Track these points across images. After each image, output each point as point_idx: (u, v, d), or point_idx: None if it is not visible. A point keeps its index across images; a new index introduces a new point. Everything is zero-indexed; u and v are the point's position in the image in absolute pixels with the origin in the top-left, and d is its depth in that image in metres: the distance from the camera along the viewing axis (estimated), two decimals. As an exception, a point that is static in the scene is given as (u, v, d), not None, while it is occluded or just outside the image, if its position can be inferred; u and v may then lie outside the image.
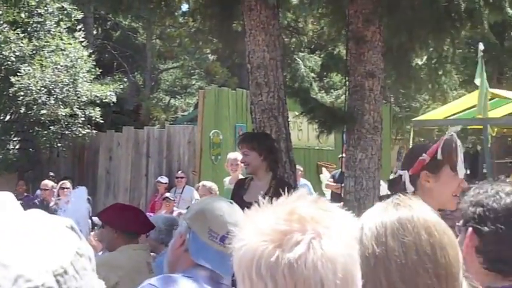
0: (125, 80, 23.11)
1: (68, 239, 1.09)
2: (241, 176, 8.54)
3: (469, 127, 17.52)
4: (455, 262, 1.96)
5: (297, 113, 9.01)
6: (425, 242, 1.79)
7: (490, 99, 13.87)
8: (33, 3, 16.66)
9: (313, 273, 1.30)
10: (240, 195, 6.37)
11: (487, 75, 13.43)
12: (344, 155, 7.97)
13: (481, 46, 12.82)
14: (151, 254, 5.74)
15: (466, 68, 19.77)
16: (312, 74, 19.53)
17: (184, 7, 12.17)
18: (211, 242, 3.08)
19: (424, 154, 3.77)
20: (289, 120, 7.55)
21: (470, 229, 2.42)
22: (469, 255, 2.39)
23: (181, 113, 25.21)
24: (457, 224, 2.53)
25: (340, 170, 11.17)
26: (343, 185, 8.31)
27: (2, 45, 15.42)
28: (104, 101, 17.32)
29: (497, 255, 2.42)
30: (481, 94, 13.38)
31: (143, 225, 5.58)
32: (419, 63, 11.84)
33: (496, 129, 15.45)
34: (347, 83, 7.66)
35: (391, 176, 12.34)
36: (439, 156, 3.66)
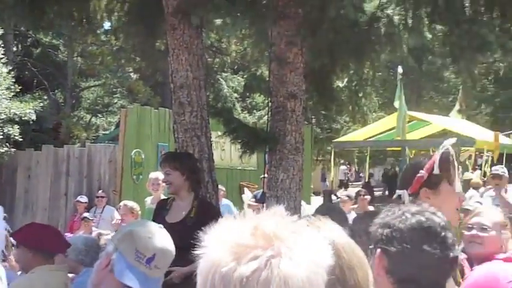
0: (45, 97, 23.15)
1: None
2: (163, 197, 8.52)
3: (388, 149, 18.16)
4: (364, 283, 2.02)
5: (220, 133, 8.96)
6: (334, 264, 1.68)
7: (409, 122, 14.62)
8: None
9: None
10: (162, 216, 6.34)
11: (405, 98, 14.14)
12: (266, 175, 7.97)
13: (399, 69, 13.48)
14: (70, 274, 5.68)
15: (385, 91, 20.37)
16: (235, 95, 19.91)
17: (107, 25, 12.19)
18: (137, 263, 3.09)
19: (421, 171, 3.73)
20: (212, 140, 7.55)
21: (378, 250, 2.47)
22: (379, 276, 2.45)
23: (103, 132, 25.18)
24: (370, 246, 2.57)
25: (262, 190, 11.12)
26: (264, 205, 8.42)
27: None
28: (23, 118, 17.26)
29: (405, 274, 2.48)
30: (399, 116, 14.09)
31: (58, 244, 5.46)
32: (340, 85, 12.15)
33: (414, 151, 15.77)
34: (269, 103, 7.69)
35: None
36: (436, 171, 3.60)
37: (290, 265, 1.32)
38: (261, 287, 1.31)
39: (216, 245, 1.39)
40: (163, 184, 8.33)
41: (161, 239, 3.25)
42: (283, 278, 1.31)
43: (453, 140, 3.68)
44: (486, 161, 16.88)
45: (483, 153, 16.34)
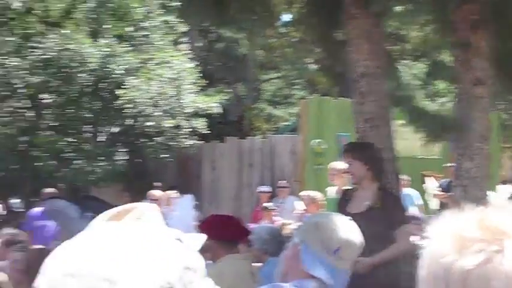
0: (229, 91, 23.34)
1: (176, 253, 1.12)
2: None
3: None
4: None
5: (402, 122, 8.67)
6: None
7: None
8: (139, 17, 16.95)
9: (483, 284, 1.26)
10: (343, 206, 6.35)
11: None
12: (451, 164, 7.88)
13: None
14: (255, 264, 5.84)
15: None
16: (417, 82, 19.58)
17: (286, 17, 12.35)
18: (323, 255, 3.15)
19: None
20: (393, 129, 7.41)
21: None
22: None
23: (283, 123, 25.39)
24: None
25: (447, 179, 11.00)
26: (450, 194, 8.20)
27: (109, 58, 15.60)
28: (208, 112, 17.49)
29: None
30: None
31: (240, 234, 5.69)
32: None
33: None
34: (455, 90, 7.53)
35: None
36: None
37: None
38: (481, 282, 1.27)
39: (440, 237, 1.36)
40: (343, 175, 8.49)
41: (347, 230, 3.26)
42: (506, 275, 1.26)
43: None
44: None
45: None
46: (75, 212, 10.25)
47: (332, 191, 9.79)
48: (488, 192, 7.67)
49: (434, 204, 12.34)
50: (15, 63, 15.16)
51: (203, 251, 4.08)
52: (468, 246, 1.28)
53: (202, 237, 1.44)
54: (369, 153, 6.30)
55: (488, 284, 1.24)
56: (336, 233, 3.24)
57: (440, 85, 18.68)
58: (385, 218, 6.15)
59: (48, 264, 1.11)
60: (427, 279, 1.36)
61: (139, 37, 17.03)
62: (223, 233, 5.39)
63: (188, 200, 11.13)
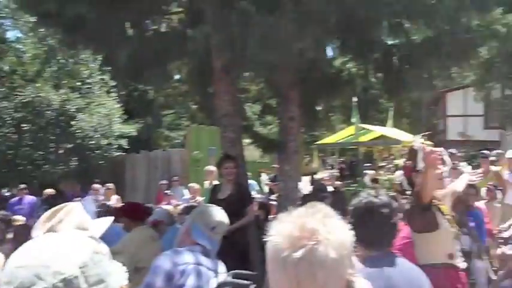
0: (142, 121, 24.23)
1: (87, 242, 1.17)
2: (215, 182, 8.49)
3: (348, 147, 18.62)
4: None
5: (248, 141, 8.91)
6: None
7: (360, 130, 15.87)
8: (85, 76, 18.69)
9: (308, 268, 1.37)
10: (214, 194, 6.69)
11: (358, 116, 15.27)
12: (277, 165, 8.25)
13: (355, 99, 14.22)
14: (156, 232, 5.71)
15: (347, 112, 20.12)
16: (255, 117, 18.99)
17: (177, 76, 13.01)
18: (205, 230, 3.37)
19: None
20: (243, 146, 7.59)
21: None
22: None
23: (176, 141, 25.70)
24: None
25: (274, 174, 12.31)
26: (276, 183, 8.82)
27: (66, 101, 17.53)
28: (128, 135, 19.16)
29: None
30: (356, 127, 15.46)
31: (144, 213, 5.81)
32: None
33: (364, 148, 17.36)
34: (278, 122, 7.93)
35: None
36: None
37: (327, 250, 1.38)
38: (308, 266, 1.37)
39: (276, 235, 1.43)
40: (214, 174, 9.19)
41: (219, 215, 3.49)
42: (322, 258, 1.38)
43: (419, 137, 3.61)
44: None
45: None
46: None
47: (207, 184, 10.33)
48: (299, 183, 8.04)
49: (266, 189, 13.24)
50: (5, 105, 17.33)
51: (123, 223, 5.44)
52: (296, 243, 1.38)
53: (109, 220, 1.43)
54: (235, 161, 6.56)
55: (311, 266, 1.37)
56: (213, 217, 3.42)
57: (269, 118, 19.15)
58: (239, 201, 6.39)
59: (5, 262, 1.11)
60: (272, 266, 1.44)
61: (85, 88, 18.84)
62: (133, 214, 5.52)
63: (89, 200, 10.84)
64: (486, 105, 24.10)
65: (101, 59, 10.48)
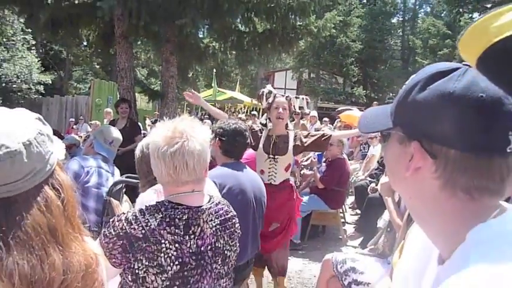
0: (56, 73, 22.23)
1: (33, 123, 0.94)
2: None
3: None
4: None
5: (139, 91, 8.06)
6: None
7: (217, 92, 15.62)
8: (10, 34, 17.01)
9: (181, 158, 1.32)
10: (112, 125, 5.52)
11: (216, 82, 15.30)
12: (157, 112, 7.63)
13: (214, 71, 15.01)
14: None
15: (208, 78, 19.56)
16: (144, 72, 19.20)
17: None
18: (104, 144, 3.17)
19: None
20: (135, 95, 6.98)
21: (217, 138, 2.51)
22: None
23: (84, 91, 23.84)
24: None
25: (155, 118, 11.47)
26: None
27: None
28: (45, 83, 17.87)
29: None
30: (214, 90, 15.37)
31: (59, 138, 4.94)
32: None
33: (219, 105, 15.81)
34: (162, 79, 7.19)
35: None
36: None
37: (194, 144, 1.34)
38: (180, 156, 1.32)
39: (155, 137, 1.36)
40: (110, 115, 8.98)
41: (116, 133, 3.29)
42: (191, 150, 1.33)
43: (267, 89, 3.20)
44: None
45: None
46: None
47: (105, 122, 9.69)
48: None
49: (148, 129, 10.85)
50: None
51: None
52: (170, 140, 1.33)
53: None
54: (129, 102, 6.00)
55: (183, 156, 1.33)
56: (111, 134, 3.21)
57: (152, 79, 18.76)
58: (131, 132, 5.70)
59: None
60: (154, 160, 1.37)
61: (10, 44, 17.32)
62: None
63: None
64: (298, 82, 25.82)
65: (23, 21, 9.68)
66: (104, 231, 1.32)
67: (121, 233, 1.29)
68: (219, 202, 1.51)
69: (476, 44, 0.58)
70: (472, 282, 0.57)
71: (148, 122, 13.38)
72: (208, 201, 1.46)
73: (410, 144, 0.71)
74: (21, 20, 13.43)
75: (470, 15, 19.90)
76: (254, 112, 12.75)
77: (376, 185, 4.04)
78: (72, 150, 5.56)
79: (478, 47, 0.58)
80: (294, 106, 3.28)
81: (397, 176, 0.75)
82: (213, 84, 15.60)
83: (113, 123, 6.13)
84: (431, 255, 0.77)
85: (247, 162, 2.87)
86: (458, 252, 0.65)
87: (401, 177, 0.74)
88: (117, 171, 3.24)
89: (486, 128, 0.63)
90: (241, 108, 16.81)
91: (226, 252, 1.46)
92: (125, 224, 1.30)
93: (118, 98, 6.74)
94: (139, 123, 9.53)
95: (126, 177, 3.13)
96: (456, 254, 0.66)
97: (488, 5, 18.96)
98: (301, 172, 5.77)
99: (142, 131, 8.67)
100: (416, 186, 0.72)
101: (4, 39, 16.97)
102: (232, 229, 1.51)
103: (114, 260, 1.30)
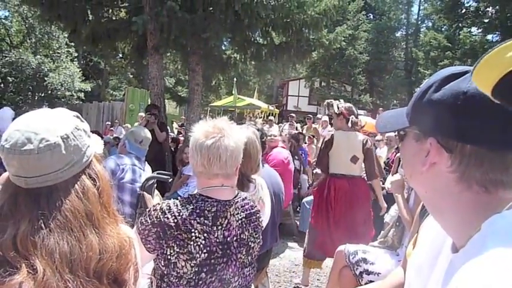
0: (95, 83, 22.49)
1: (70, 119, 0.93)
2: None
3: (228, 109, 16.97)
4: (254, 157, 2.10)
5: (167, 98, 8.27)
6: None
7: (237, 99, 15.22)
8: (55, 47, 17.18)
9: (215, 151, 1.31)
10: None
11: (236, 89, 14.84)
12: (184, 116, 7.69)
13: (235, 80, 14.26)
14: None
15: (229, 86, 19.21)
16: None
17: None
18: (135, 144, 3.10)
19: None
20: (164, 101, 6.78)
21: None
22: None
23: (120, 97, 23.15)
24: None
25: (182, 122, 11.29)
26: (184, 127, 8.22)
27: (41, 63, 15.88)
28: (85, 90, 18.01)
29: None
30: (234, 97, 14.77)
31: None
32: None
33: (238, 111, 16.28)
34: (188, 86, 6.98)
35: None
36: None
37: (229, 141, 1.33)
38: (215, 149, 1.31)
39: (196, 131, 1.35)
40: (144, 119, 7.46)
41: (145, 133, 3.19)
42: (225, 145, 1.32)
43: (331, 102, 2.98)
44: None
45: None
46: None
47: (138, 124, 8.31)
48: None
49: (175, 132, 11.19)
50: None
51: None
52: (209, 135, 1.33)
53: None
54: (159, 108, 5.85)
55: (218, 150, 1.32)
56: (141, 134, 3.14)
57: (179, 88, 18.62)
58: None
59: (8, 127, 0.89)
60: (192, 152, 1.35)
61: (55, 56, 17.73)
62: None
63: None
64: (310, 90, 25.56)
65: (67, 35, 9.53)
66: (141, 219, 1.32)
67: (156, 221, 1.29)
68: (245, 197, 1.49)
69: (491, 74, 0.57)
70: (490, 267, 0.55)
71: (175, 125, 13.28)
72: (236, 196, 1.44)
73: (426, 141, 0.70)
74: (65, 35, 13.49)
75: (468, 29, 19.55)
76: (271, 117, 12.54)
77: (383, 184, 3.94)
78: (106, 147, 5.72)
79: (492, 76, 0.57)
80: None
81: (414, 171, 0.74)
82: (233, 92, 15.29)
83: (147, 123, 5.95)
84: (444, 245, 0.76)
85: (277, 170, 2.82)
86: (474, 240, 0.63)
87: (418, 172, 0.72)
88: (148, 168, 3.20)
89: (499, 124, 0.62)
90: (258, 114, 16.54)
91: (250, 243, 1.45)
92: (160, 213, 1.30)
93: (149, 104, 6.66)
94: (167, 126, 9.25)
95: (157, 173, 3.09)
96: (472, 242, 0.64)
97: (486, 20, 18.56)
98: (314, 171, 5.74)
99: (169, 132, 8.52)
100: (433, 180, 0.71)
101: (50, 52, 17.36)
102: (256, 223, 1.49)
103: (149, 245, 1.30)
